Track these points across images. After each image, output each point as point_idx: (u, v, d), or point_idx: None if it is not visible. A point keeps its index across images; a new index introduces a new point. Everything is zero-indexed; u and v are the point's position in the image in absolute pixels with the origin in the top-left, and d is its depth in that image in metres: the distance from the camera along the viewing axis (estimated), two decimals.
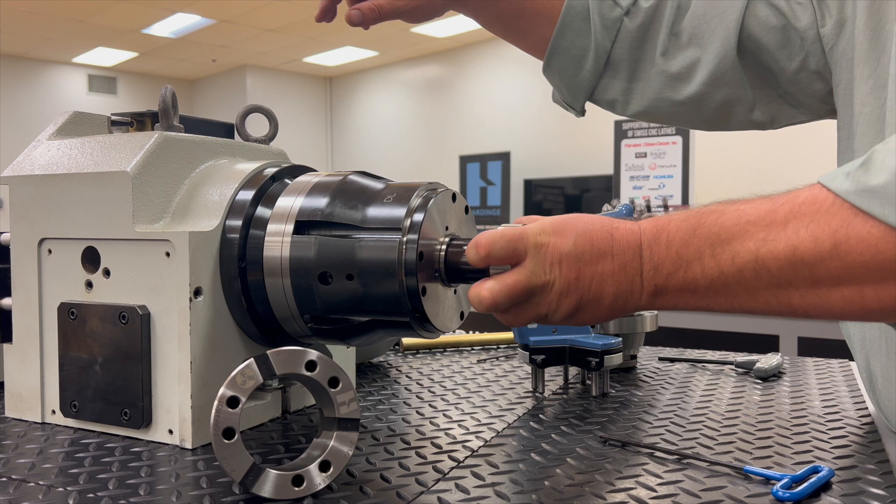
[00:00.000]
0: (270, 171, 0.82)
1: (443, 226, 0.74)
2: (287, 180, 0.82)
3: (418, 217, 0.71)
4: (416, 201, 0.73)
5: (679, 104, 0.94)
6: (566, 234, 0.62)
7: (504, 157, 7.58)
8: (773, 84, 0.90)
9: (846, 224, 0.52)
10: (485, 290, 0.64)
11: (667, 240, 0.59)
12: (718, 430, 0.79)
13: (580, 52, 0.97)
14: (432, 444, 0.75)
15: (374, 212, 0.73)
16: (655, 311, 1.10)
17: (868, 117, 0.77)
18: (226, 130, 0.96)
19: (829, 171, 0.56)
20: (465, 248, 0.71)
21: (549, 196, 7.71)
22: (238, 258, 0.77)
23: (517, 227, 0.64)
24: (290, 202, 0.77)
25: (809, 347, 2.70)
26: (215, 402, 0.60)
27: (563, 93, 1.02)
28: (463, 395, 0.96)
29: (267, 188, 0.80)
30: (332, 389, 0.63)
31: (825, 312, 0.56)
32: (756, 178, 6.27)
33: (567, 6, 0.96)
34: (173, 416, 0.75)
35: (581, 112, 1.03)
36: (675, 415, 0.86)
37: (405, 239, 0.70)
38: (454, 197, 0.77)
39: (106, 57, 8.76)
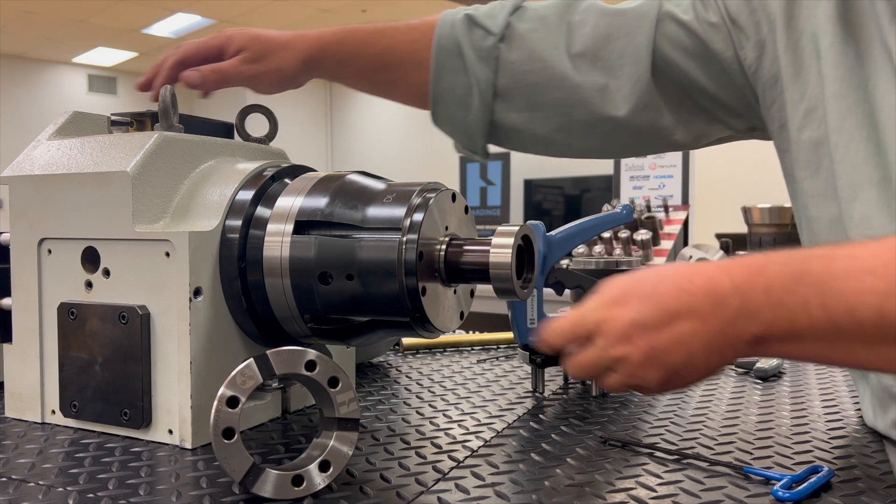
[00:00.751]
0: (270, 171, 0.82)
1: (443, 226, 0.74)
2: (287, 180, 0.82)
3: (418, 217, 0.71)
4: (415, 201, 0.73)
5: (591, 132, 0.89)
6: (629, 302, 0.56)
7: (504, 158, 7.58)
8: (694, 104, 0.86)
9: None
10: (568, 367, 0.62)
11: (765, 285, 0.53)
12: (718, 430, 0.79)
13: (463, 91, 0.91)
14: (432, 444, 0.75)
15: (374, 212, 0.73)
16: None
17: (808, 144, 0.74)
18: (226, 130, 0.96)
19: None
20: (467, 248, 0.71)
21: (549, 196, 7.71)
22: (238, 258, 0.77)
23: (574, 313, 0.60)
24: (290, 202, 0.77)
25: None
26: (215, 402, 0.60)
27: (459, 139, 0.96)
28: (463, 395, 0.96)
29: (267, 188, 0.80)
30: (332, 389, 0.63)
31: None
32: (756, 178, 6.27)
33: (437, 46, 0.90)
34: (173, 416, 0.75)
35: (485, 155, 0.97)
36: (675, 415, 0.86)
37: (405, 239, 0.70)
38: (454, 197, 0.77)
39: (106, 57, 8.76)
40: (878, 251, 0.51)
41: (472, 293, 0.81)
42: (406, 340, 1.25)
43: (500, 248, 0.71)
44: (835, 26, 0.71)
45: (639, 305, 0.56)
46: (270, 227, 0.77)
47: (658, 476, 0.66)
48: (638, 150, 0.95)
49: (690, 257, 2.58)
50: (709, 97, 0.86)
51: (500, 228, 0.71)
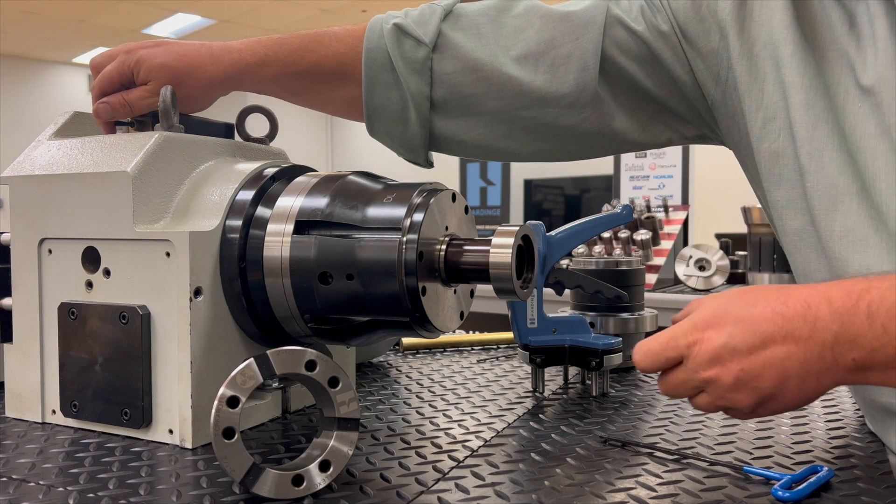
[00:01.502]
0: (270, 171, 0.82)
1: (443, 226, 0.74)
2: (287, 180, 0.82)
3: (418, 217, 0.71)
4: (416, 201, 0.73)
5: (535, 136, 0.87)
6: (722, 325, 0.55)
7: None
8: (643, 108, 0.85)
9: None
10: (660, 386, 0.62)
11: (868, 310, 0.51)
12: (718, 430, 0.79)
13: (398, 105, 0.88)
14: (432, 443, 0.75)
15: (374, 212, 0.73)
16: (655, 311, 1.11)
17: (767, 155, 0.73)
18: (226, 130, 0.96)
19: None
20: (467, 248, 0.71)
21: (549, 196, 7.71)
22: (238, 258, 0.77)
23: (664, 335, 0.59)
24: (290, 202, 0.77)
25: None
26: (215, 402, 0.60)
27: (400, 152, 0.94)
28: (463, 395, 0.96)
29: (267, 188, 0.80)
30: (332, 389, 0.63)
31: None
32: None
33: (367, 60, 0.87)
34: (173, 415, 0.75)
35: (428, 164, 0.95)
36: (675, 415, 0.86)
37: (405, 239, 0.70)
38: (454, 197, 0.77)
39: None
40: None
41: (472, 293, 0.81)
42: (406, 340, 1.25)
43: (500, 248, 0.71)
44: (794, 34, 0.70)
45: (732, 328, 0.55)
46: (270, 227, 0.77)
47: (658, 476, 0.66)
48: (588, 152, 0.92)
49: (690, 257, 2.58)
50: (657, 103, 0.84)
51: (500, 228, 0.71)
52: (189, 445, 0.74)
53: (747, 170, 0.82)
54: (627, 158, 5.42)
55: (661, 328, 1.11)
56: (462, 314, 0.79)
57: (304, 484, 0.61)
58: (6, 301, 0.86)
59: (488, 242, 0.71)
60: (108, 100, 0.87)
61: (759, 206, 3.46)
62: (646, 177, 5.27)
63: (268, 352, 0.62)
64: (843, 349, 0.52)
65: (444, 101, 0.87)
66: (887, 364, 0.52)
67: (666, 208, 3.36)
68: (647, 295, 1.27)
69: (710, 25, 0.77)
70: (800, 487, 0.61)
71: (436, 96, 0.87)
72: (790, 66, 0.70)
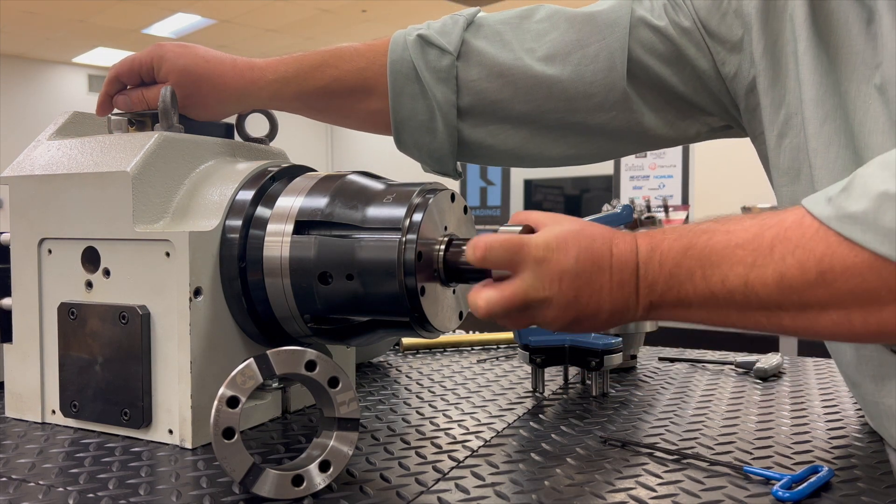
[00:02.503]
0: (270, 171, 0.82)
1: (442, 226, 0.74)
2: (287, 180, 0.82)
3: (417, 217, 0.71)
4: (415, 201, 0.73)
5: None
6: (569, 250, 0.61)
7: None
8: (671, 105, 0.86)
9: (831, 251, 0.52)
10: (481, 299, 0.64)
11: (659, 259, 0.60)
12: (718, 430, 0.79)
13: (425, 115, 0.88)
14: (432, 444, 0.75)
15: (374, 212, 0.73)
16: None
17: (788, 150, 0.74)
18: (226, 130, 0.96)
19: (813, 195, 0.56)
20: (465, 247, 0.71)
21: (549, 196, 7.70)
22: (238, 258, 0.77)
23: (517, 237, 0.63)
24: (290, 202, 0.77)
25: (809, 347, 2.70)
26: (215, 402, 0.60)
27: (427, 163, 0.94)
28: (463, 395, 0.96)
29: (267, 188, 0.80)
30: (332, 389, 0.63)
31: (815, 335, 0.57)
32: (756, 178, 6.26)
33: (392, 72, 0.87)
34: (173, 416, 0.75)
35: (456, 175, 0.95)
36: (675, 415, 0.86)
37: (404, 239, 0.70)
38: (453, 197, 0.77)
39: (106, 57, 8.76)
40: (749, 226, 0.57)
41: None
42: (406, 340, 1.25)
43: None
44: (808, 30, 0.71)
45: (577, 255, 0.61)
46: (270, 227, 0.77)
47: (658, 476, 0.66)
48: (617, 150, 0.93)
49: None
50: (684, 100, 0.85)
51: (501, 229, 0.71)
52: (189, 445, 0.74)
53: (766, 163, 0.82)
54: (627, 158, 5.42)
55: (661, 328, 1.12)
56: (461, 314, 0.79)
57: (304, 484, 0.61)
58: (6, 301, 0.86)
59: None
60: (128, 93, 0.91)
61: (759, 206, 3.47)
62: (646, 177, 5.27)
63: (268, 352, 0.62)
64: (644, 293, 0.61)
65: (470, 108, 0.88)
66: (673, 304, 0.61)
67: (666, 208, 3.36)
68: None
69: (732, 20, 0.78)
70: (800, 487, 0.61)
71: (462, 104, 0.87)
72: (803, 61, 0.71)
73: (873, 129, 0.65)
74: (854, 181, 0.53)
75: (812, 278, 0.53)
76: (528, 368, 1.10)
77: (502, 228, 0.68)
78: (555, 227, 0.64)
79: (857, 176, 0.53)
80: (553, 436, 0.78)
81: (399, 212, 0.72)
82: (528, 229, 0.67)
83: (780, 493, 0.60)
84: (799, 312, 0.55)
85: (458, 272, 0.73)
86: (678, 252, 0.59)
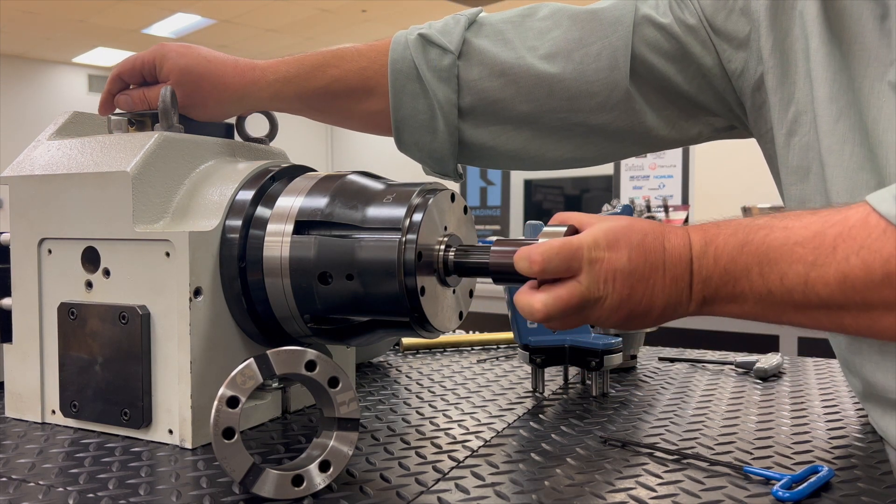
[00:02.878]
0: (270, 171, 0.82)
1: (442, 226, 0.74)
2: (287, 180, 0.82)
3: (417, 217, 0.71)
4: (415, 201, 0.73)
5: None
6: (620, 247, 0.60)
7: None
8: (674, 105, 0.85)
9: (869, 255, 0.51)
10: (537, 302, 0.61)
11: (714, 254, 0.59)
12: (718, 430, 0.79)
13: (426, 115, 0.87)
14: (432, 444, 0.75)
15: (374, 212, 0.73)
16: None
17: (798, 149, 0.73)
18: (226, 130, 0.96)
19: (879, 192, 0.54)
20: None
21: (549, 196, 7.70)
22: (238, 258, 0.77)
23: (572, 243, 0.61)
24: (290, 202, 0.77)
25: (809, 347, 2.70)
26: (215, 402, 0.60)
27: (427, 163, 0.93)
28: (463, 395, 0.96)
29: (267, 188, 0.80)
30: (332, 389, 0.63)
31: (878, 334, 0.56)
32: (756, 178, 6.27)
33: (392, 71, 0.86)
34: (173, 416, 0.75)
35: (457, 177, 0.94)
36: (675, 415, 0.86)
37: (404, 239, 0.70)
38: (453, 197, 0.77)
39: (106, 57, 8.76)
40: (810, 223, 0.55)
41: (470, 293, 0.81)
42: (406, 340, 1.25)
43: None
44: (820, 26, 0.70)
45: (629, 253, 0.60)
46: (270, 227, 0.77)
47: (658, 476, 0.66)
48: (618, 152, 0.92)
49: None
50: (687, 99, 0.84)
51: (545, 229, 0.67)
52: (189, 445, 0.74)
53: (772, 163, 0.82)
54: (627, 158, 5.40)
55: (661, 328, 1.12)
56: (461, 314, 0.79)
57: (304, 484, 0.61)
58: (6, 301, 0.86)
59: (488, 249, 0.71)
60: (130, 93, 0.91)
61: (760, 206, 3.47)
62: (646, 177, 5.27)
63: (268, 352, 0.62)
64: (697, 288, 0.61)
65: (472, 109, 0.87)
66: (728, 299, 0.60)
67: (666, 208, 3.36)
68: None
69: (738, 17, 0.78)
70: (800, 488, 0.61)
71: (463, 104, 0.87)
72: (815, 58, 0.70)
73: (888, 126, 0.65)
74: None
75: (878, 279, 0.52)
76: (528, 368, 1.10)
77: (546, 229, 0.65)
78: (602, 223, 0.62)
79: None
80: (553, 436, 0.78)
81: (399, 212, 0.72)
82: (573, 230, 0.64)
83: (780, 493, 0.60)
84: (861, 312, 0.54)
85: (464, 270, 0.72)
86: (734, 248, 0.58)
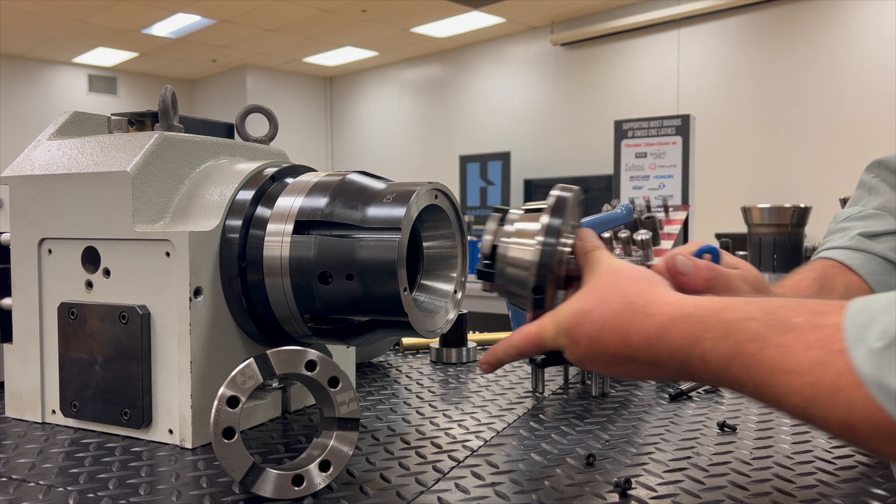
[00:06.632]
0: (270, 171, 0.82)
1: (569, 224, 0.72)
2: (287, 180, 0.82)
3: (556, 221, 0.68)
4: (414, 201, 0.72)
5: None
6: (579, 340, 0.58)
7: (504, 157, 7.57)
8: None
9: (869, 415, 0.44)
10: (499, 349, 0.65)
11: (701, 357, 0.53)
12: (718, 431, 0.79)
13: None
14: (432, 443, 0.75)
15: (374, 212, 0.73)
16: None
17: None
18: (226, 130, 0.96)
19: (856, 319, 0.46)
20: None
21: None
22: (238, 258, 0.77)
23: (533, 337, 0.62)
24: (290, 202, 0.77)
25: None
26: (215, 402, 0.60)
27: None
28: (463, 395, 0.96)
29: (267, 188, 0.80)
30: (332, 389, 0.63)
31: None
32: (756, 178, 6.27)
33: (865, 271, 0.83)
34: (173, 415, 0.75)
35: None
36: (675, 415, 0.86)
37: (542, 240, 0.68)
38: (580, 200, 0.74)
39: (106, 57, 8.76)
40: (809, 344, 0.47)
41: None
42: (406, 340, 1.25)
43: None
44: None
45: (588, 346, 0.58)
46: (270, 227, 0.77)
47: (658, 476, 0.66)
48: None
49: None
50: None
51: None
52: (189, 445, 0.74)
53: None
54: (627, 158, 5.42)
55: None
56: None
57: (304, 484, 0.61)
58: (6, 301, 0.86)
59: None
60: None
61: (759, 206, 3.45)
62: (646, 177, 5.27)
63: (268, 352, 0.62)
64: (683, 376, 0.57)
65: None
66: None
67: (666, 208, 3.35)
68: None
69: None
70: None
71: None
72: None
73: None
74: None
75: (841, 430, 0.47)
76: (528, 368, 1.10)
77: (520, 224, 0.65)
78: (573, 303, 0.60)
79: None
80: (553, 436, 0.78)
81: (399, 212, 0.72)
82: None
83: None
84: (870, 447, 0.48)
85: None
86: (723, 356, 0.52)
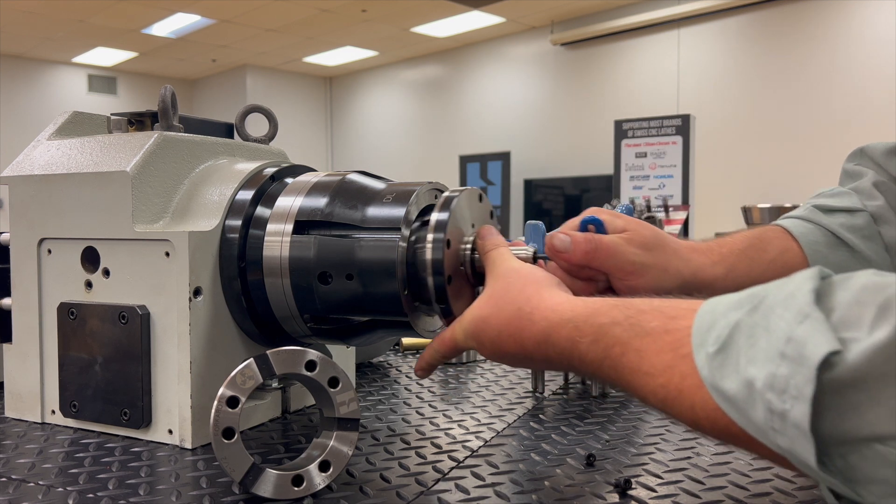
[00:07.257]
0: (270, 170, 0.82)
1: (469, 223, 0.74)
2: (287, 180, 0.82)
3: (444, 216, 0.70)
4: (414, 201, 0.72)
5: None
6: (484, 343, 0.64)
7: (504, 157, 7.58)
8: None
9: (708, 415, 0.47)
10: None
11: (580, 359, 0.56)
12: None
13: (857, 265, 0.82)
14: (432, 444, 0.75)
15: (374, 211, 0.73)
16: None
17: None
18: (226, 130, 0.96)
19: (701, 322, 0.47)
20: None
21: (549, 196, 7.71)
22: (238, 258, 0.77)
23: (448, 342, 0.67)
24: (290, 202, 0.77)
25: None
26: (215, 402, 0.60)
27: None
28: (463, 395, 0.96)
29: (266, 188, 0.80)
30: (332, 389, 0.63)
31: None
32: (756, 178, 6.27)
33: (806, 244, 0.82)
34: (173, 416, 0.75)
35: None
36: None
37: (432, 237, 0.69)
38: (480, 197, 0.76)
39: (106, 57, 8.76)
40: (661, 348, 0.50)
41: None
42: (406, 340, 1.25)
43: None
44: None
45: (491, 349, 0.63)
46: (270, 226, 0.77)
47: (658, 476, 0.66)
48: None
49: None
50: None
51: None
52: (189, 445, 0.74)
53: None
54: (627, 158, 5.42)
55: None
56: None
57: (304, 484, 0.61)
58: (6, 301, 0.86)
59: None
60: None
61: (759, 206, 3.45)
62: (646, 177, 5.27)
63: (268, 352, 0.62)
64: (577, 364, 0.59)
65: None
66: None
67: (666, 208, 3.36)
68: None
69: None
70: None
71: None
72: None
73: None
74: (729, 349, 0.44)
75: (692, 423, 0.49)
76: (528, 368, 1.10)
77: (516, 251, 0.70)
78: (474, 309, 0.65)
79: (732, 343, 0.44)
80: (553, 436, 0.78)
81: (399, 212, 0.72)
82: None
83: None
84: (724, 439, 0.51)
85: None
86: (596, 359, 0.55)
